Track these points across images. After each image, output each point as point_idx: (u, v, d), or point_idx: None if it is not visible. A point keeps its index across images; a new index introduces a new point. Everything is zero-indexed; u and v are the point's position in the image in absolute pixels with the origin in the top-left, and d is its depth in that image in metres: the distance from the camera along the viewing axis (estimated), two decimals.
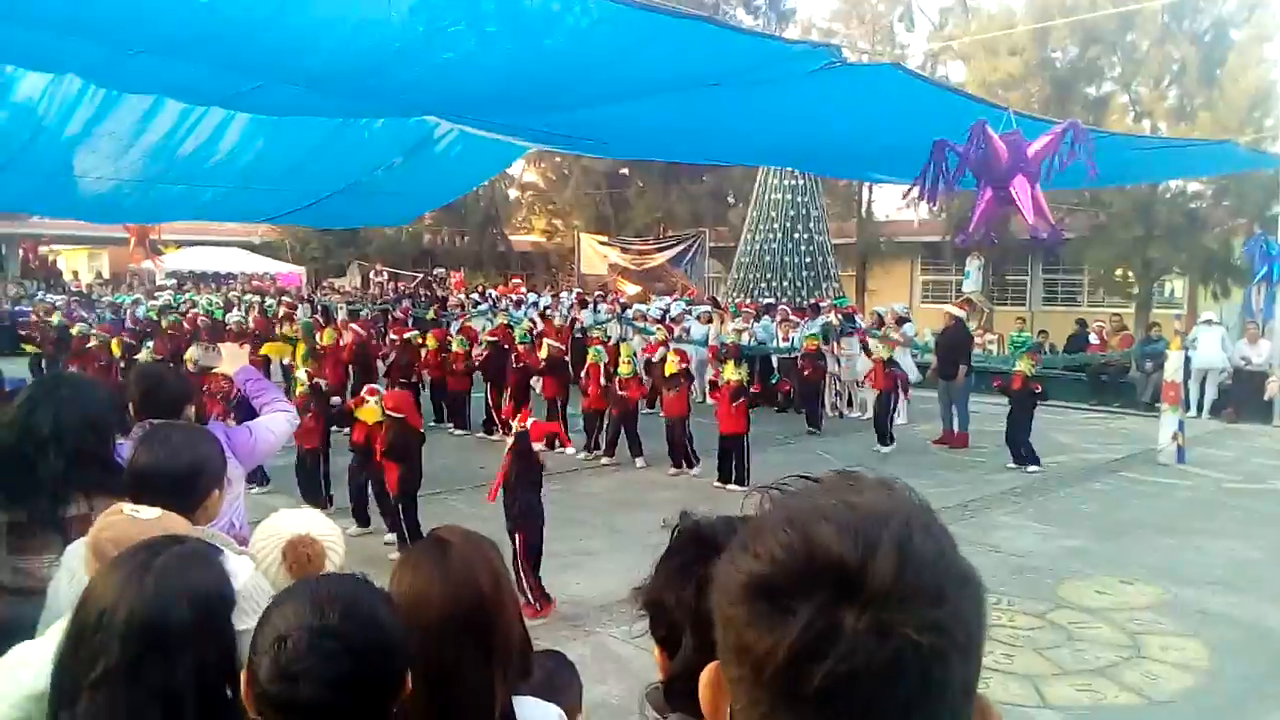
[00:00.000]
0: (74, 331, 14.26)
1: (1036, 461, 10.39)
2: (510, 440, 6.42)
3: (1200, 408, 13.83)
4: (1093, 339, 16.03)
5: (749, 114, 5.74)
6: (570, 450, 10.84)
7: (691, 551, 1.42)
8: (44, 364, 15.21)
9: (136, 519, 1.73)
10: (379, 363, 13.57)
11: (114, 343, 12.58)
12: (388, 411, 7.22)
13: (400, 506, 7.20)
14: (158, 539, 1.61)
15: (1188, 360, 12.28)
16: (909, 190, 5.40)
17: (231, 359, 3.57)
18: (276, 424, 3.28)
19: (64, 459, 2.28)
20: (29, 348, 16.36)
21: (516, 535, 6.09)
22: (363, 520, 7.75)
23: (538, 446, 6.45)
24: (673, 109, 5.60)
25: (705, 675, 0.76)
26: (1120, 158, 7.65)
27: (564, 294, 21.66)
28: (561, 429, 9.92)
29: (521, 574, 5.91)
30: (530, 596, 5.90)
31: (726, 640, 0.70)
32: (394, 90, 4.91)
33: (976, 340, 17.20)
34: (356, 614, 1.35)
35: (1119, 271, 21.65)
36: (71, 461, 2.29)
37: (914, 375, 13.83)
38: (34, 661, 1.58)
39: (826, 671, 0.63)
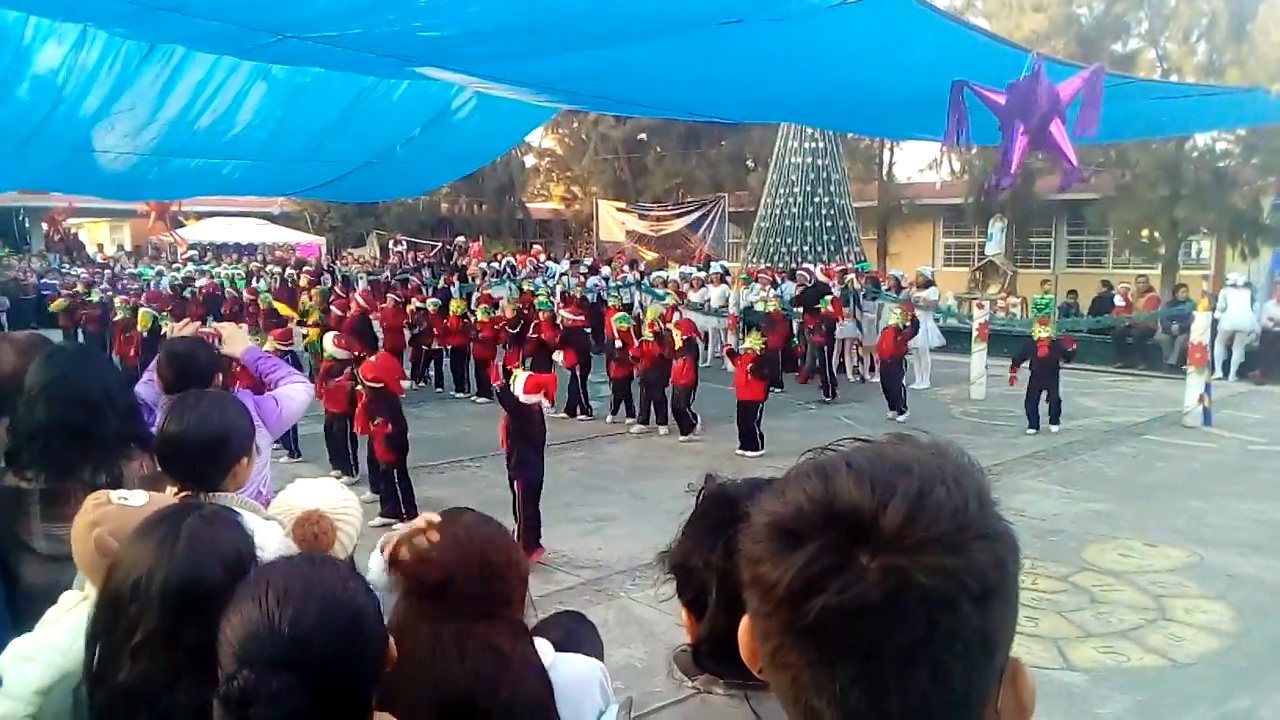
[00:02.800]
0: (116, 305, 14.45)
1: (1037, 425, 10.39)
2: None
3: (1227, 369, 13.68)
4: (1118, 301, 15.84)
5: (767, 61, 5.64)
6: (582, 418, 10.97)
7: (718, 514, 1.42)
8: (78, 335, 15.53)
9: (128, 506, 1.72)
10: (405, 331, 13.70)
11: (142, 314, 12.71)
12: (366, 382, 7.24)
13: (394, 474, 7.26)
14: (176, 506, 1.63)
15: (1215, 322, 12.13)
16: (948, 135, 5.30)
17: (232, 340, 3.48)
18: (296, 393, 3.37)
19: (119, 420, 2.31)
20: (56, 306, 16.69)
21: (515, 483, 6.47)
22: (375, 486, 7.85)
23: (532, 399, 6.46)
24: (690, 56, 5.53)
25: (744, 623, 0.77)
26: (1146, 108, 7.47)
27: (582, 261, 21.64)
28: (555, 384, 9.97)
29: (519, 520, 6.29)
30: (519, 538, 5.99)
31: (745, 577, 0.73)
32: (408, 30, 4.87)
33: (1000, 304, 17.11)
34: (317, 635, 1.24)
35: (1145, 232, 21.32)
36: (123, 421, 2.33)
37: (937, 339, 13.75)
38: (39, 655, 1.60)
39: (824, 604, 0.65)
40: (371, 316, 14.10)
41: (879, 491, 0.67)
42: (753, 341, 9.56)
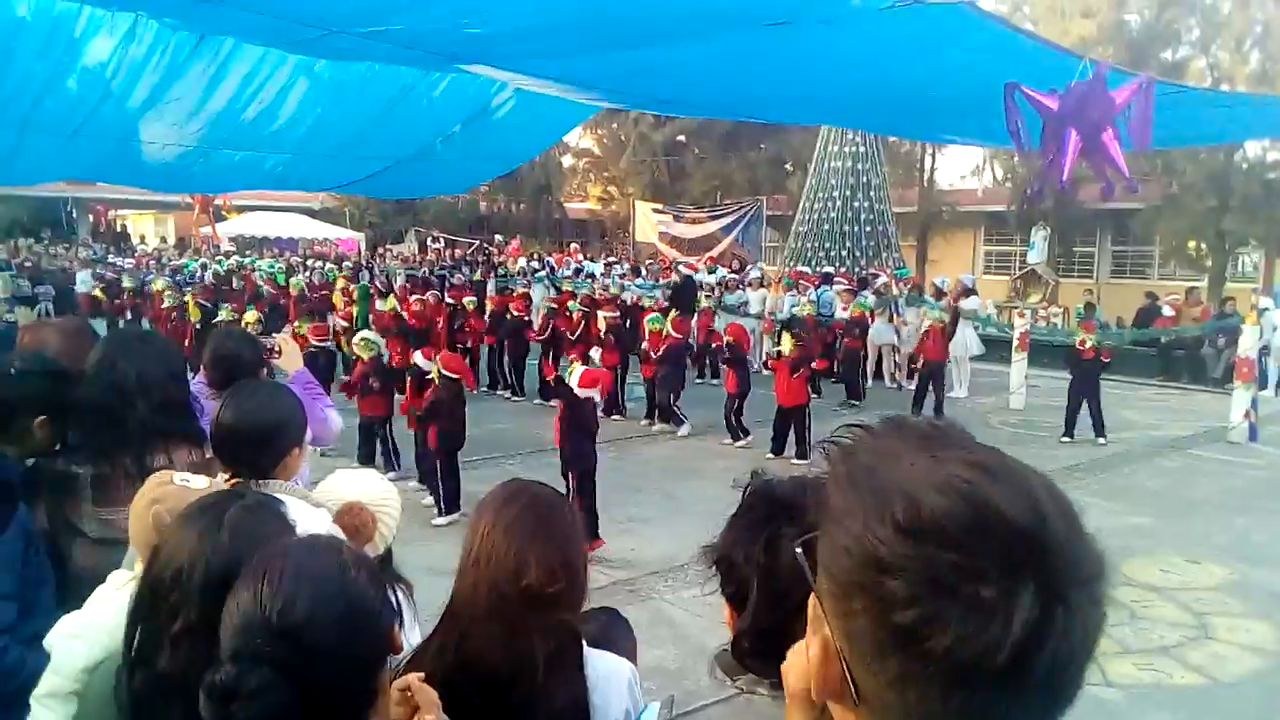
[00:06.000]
0: (160, 292, 14.69)
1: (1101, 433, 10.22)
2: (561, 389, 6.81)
3: (1277, 385, 13.39)
4: (1166, 312, 15.54)
5: (812, 63, 5.59)
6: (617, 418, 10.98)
7: (762, 510, 1.41)
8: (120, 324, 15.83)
9: (188, 488, 1.73)
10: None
11: (190, 305, 12.98)
12: (445, 372, 7.34)
13: (440, 463, 7.33)
14: (220, 494, 1.64)
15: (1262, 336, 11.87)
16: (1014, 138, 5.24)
17: (289, 357, 3.51)
18: (334, 422, 3.43)
19: (151, 409, 2.34)
20: (98, 293, 17.06)
21: (569, 474, 6.56)
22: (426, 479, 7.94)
23: (586, 392, 6.62)
24: (736, 56, 5.50)
25: (817, 648, 0.72)
26: (1195, 117, 7.33)
27: (615, 262, 21.66)
28: (610, 379, 10.00)
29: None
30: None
31: (855, 580, 0.65)
32: (454, 27, 4.89)
33: (1041, 313, 16.88)
34: (307, 627, 1.20)
35: (1191, 244, 20.96)
36: (157, 412, 2.35)
37: (976, 348, 13.59)
38: (86, 634, 1.62)
39: (991, 639, 0.60)
40: (403, 312, 14.20)
41: (1033, 512, 0.63)
42: (786, 345, 9.52)
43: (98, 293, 17.82)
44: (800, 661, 0.75)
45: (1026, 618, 0.60)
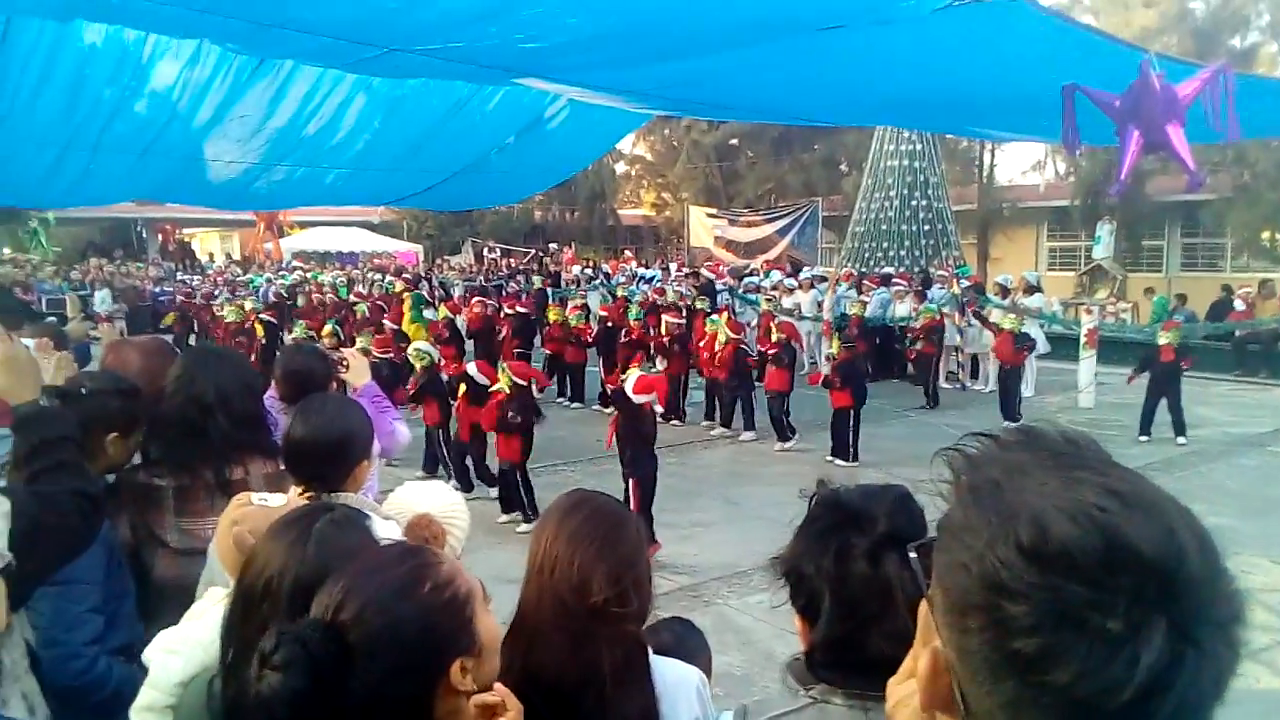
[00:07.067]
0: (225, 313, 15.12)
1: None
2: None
3: None
4: (1238, 305, 15.04)
5: (867, 64, 5.53)
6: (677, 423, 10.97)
7: (829, 520, 1.40)
8: (188, 339, 16.35)
9: (267, 507, 1.78)
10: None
11: (257, 323, 13.32)
12: (515, 379, 7.41)
13: (516, 474, 7.43)
14: (310, 507, 1.68)
15: None
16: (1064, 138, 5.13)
17: (357, 371, 3.54)
18: (402, 435, 3.54)
19: (229, 423, 2.41)
20: (168, 320, 17.62)
21: (630, 481, 6.55)
22: (467, 486, 8.08)
23: (642, 398, 6.63)
24: (787, 62, 5.46)
25: (927, 659, 0.70)
26: (1267, 106, 7.08)
27: (673, 267, 21.64)
28: (666, 384, 9.98)
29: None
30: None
31: (971, 600, 0.63)
32: (510, 42, 4.95)
33: (1108, 309, 16.46)
34: (354, 629, 1.23)
35: (1265, 234, 20.27)
36: (235, 425, 2.42)
37: (1043, 346, 13.31)
38: (182, 649, 1.66)
39: (1115, 676, 0.58)
40: (457, 318, 14.36)
41: (1170, 544, 0.60)
42: (835, 348, 9.47)
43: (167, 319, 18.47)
44: (905, 694, 0.73)
45: (1155, 659, 0.58)
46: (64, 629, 2.08)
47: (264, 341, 12.88)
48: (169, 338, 15.79)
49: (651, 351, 11.85)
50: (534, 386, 7.85)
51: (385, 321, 13.67)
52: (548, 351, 13.38)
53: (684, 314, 12.26)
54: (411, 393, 8.59)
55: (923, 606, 0.73)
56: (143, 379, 2.55)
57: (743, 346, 10.61)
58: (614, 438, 6.84)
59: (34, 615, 2.01)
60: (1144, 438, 9.91)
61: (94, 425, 2.32)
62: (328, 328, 11.66)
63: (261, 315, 14.17)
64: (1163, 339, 9.98)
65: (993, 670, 0.62)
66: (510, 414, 7.34)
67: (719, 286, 17.18)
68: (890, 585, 1.27)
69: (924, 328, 12.68)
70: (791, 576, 1.41)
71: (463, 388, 8.05)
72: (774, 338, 10.22)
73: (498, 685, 1.34)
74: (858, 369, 9.83)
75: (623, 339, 12.17)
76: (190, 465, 2.37)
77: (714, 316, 11.42)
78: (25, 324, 5.23)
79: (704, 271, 18.40)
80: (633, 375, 6.84)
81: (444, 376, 8.85)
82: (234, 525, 1.74)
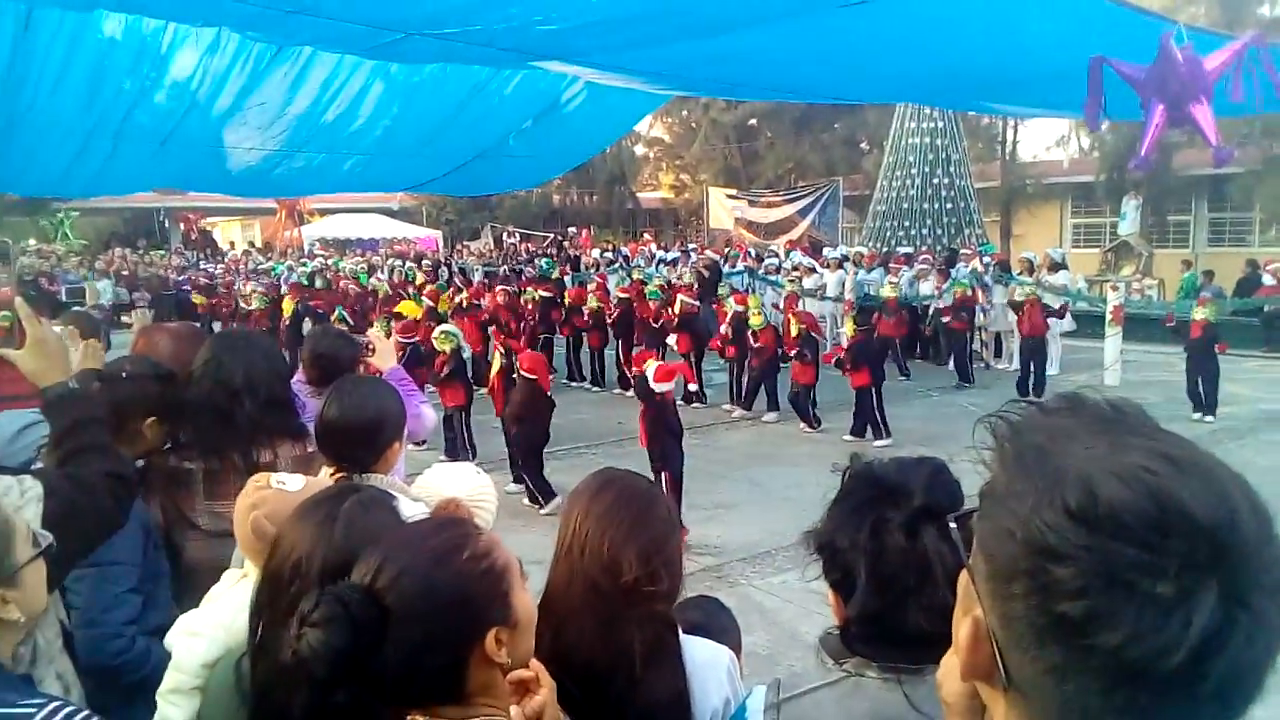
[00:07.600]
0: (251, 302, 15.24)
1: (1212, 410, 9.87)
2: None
3: None
4: (1267, 280, 14.82)
5: (891, 40, 5.46)
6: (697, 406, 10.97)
7: (864, 493, 1.39)
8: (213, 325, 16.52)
9: (285, 491, 1.77)
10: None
11: (285, 304, 13.43)
12: (521, 373, 7.42)
13: (524, 464, 7.42)
14: (336, 489, 1.68)
15: None
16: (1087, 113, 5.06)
17: (382, 355, 3.54)
18: (429, 418, 3.54)
19: (257, 406, 2.42)
20: (198, 299, 17.89)
21: (662, 474, 6.45)
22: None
23: (663, 386, 6.64)
24: (808, 39, 5.41)
25: (968, 628, 0.69)
26: None
27: (692, 249, 21.57)
28: (689, 370, 9.94)
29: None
30: None
31: (1018, 566, 0.62)
32: (528, 25, 4.93)
33: (1135, 286, 16.27)
34: (390, 594, 1.24)
35: None
36: (263, 409, 2.43)
37: (1069, 324, 13.18)
38: (205, 631, 1.67)
39: (1165, 642, 0.57)
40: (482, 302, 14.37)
41: (1223, 509, 0.59)
42: (849, 328, 9.44)
43: (196, 298, 18.66)
44: (952, 665, 0.72)
45: (1207, 622, 0.57)
46: (103, 609, 2.10)
47: (288, 324, 12.96)
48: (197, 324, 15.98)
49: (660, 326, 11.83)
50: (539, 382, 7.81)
51: (423, 297, 13.72)
52: (563, 336, 13.41)
53: (697, 293, 12.27)
54: (441, 376, 8.67)
55: (963, 576, 0.72)
56: (173, 364, 2.57)
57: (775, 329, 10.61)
58: (644, 435, 6.82)
59: (71, 595, 2.03)
60: (1198, 415, 9.83)
61: (133, 409, 2.33)
62: (335, 314, 11.76)
63: (291, 298, 14.27)
64: (1197, 314, 9.86)
65: (1038, 635, 0.61)
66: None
67: (739, 268, 17.09)
68: (927, 558, 1.26)
69: (956, 303, 12.55)
70: (825, 550, 1.39)
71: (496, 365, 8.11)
72: (794, 331, 10.09)
73: (533, 662, 1.34)
74: (872, 348, 9.79)
75: (638, 317, 12.20)
76: (219, 449, 2.38)
77: (732, 300, 11.40)
78: (49, 313, 5.29)
79: (709, 253, 18.27)
80: (652, 364, 6.87)
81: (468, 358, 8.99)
82: (252, 510, 1.74)
